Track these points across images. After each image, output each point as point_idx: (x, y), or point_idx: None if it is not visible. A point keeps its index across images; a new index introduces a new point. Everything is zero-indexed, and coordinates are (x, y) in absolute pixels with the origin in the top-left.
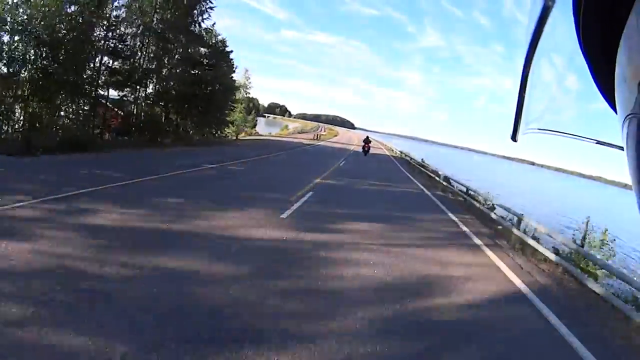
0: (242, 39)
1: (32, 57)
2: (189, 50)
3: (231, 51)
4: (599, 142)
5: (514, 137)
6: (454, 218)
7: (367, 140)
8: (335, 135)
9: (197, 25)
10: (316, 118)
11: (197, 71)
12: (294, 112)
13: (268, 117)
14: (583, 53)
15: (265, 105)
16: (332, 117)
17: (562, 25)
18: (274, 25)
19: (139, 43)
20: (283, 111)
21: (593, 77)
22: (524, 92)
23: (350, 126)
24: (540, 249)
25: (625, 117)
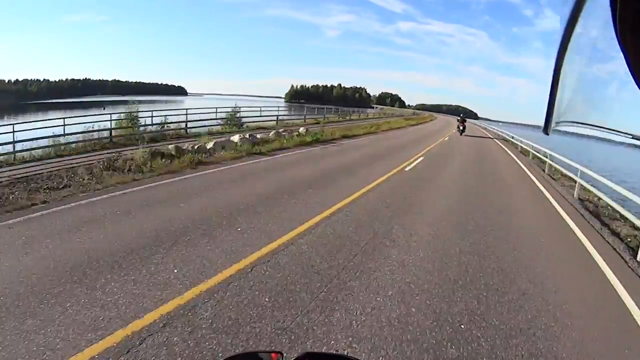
0: (358, 33)
1: None
2: None
3: None
4: (634, 137)
5: (545, 130)
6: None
7: (463, 120)
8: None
9: None
10: (436, 108)
11: None
12: (412, 103)
13: (376, 107)
14: (620, 45)
15: (376, 95)
16: (454, 106)
17: (598, 15)
18: (389, 17)
19: None
20: (395, 100)
21: (630, 71)
22: (557, 85)
23: (473, 116)
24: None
25: None
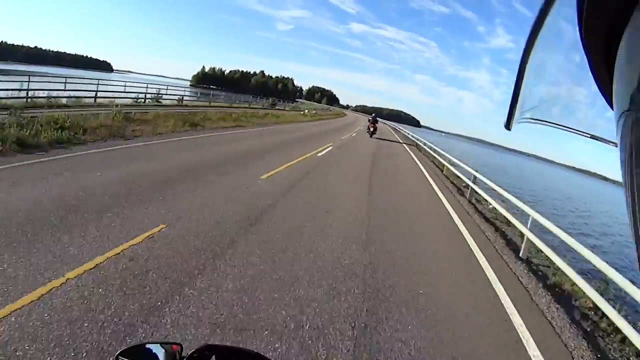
0: (311, 30)
1: None
2: None
3: None
4: (593, 137)
5: (507, 126)
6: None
7: (374, 120)
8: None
9: None
10: (377, 111)
11: None
12: (353, 103)
13: (297, 101)
14: (583, 47)
15: (305, 88)
16: (395, 111)
17: (564, 17)
18: (343, 17)
19: None
20: (330, 97)
21: (591, 71)
22: (521, 81)
23: (415, 124)
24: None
25: (621, 114)
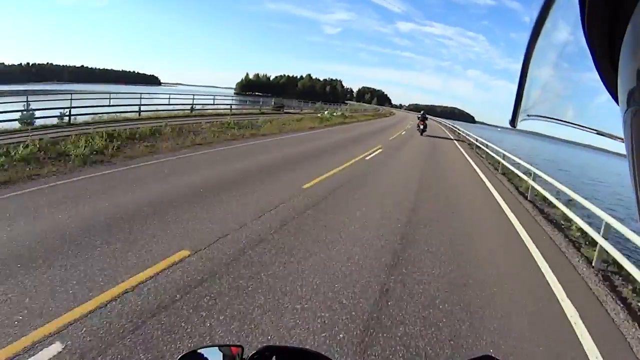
0: (358, 31)
1: None
2: None
3: None
4: (599, 133)
5: (512, 123)
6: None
7: (423, 117)
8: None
9: None
10: (430, 109)
11: None
12: (406, 102)
13: (347, 103)
14: (587, 41)
15: (354, 90)
16: (449, 108)
17: (566, 12)
18: (390, 17)
19: None
20: (380, 97)
21: (596, 67)
22: (526, 77)
23: (470, 120)
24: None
25: (627, 110)
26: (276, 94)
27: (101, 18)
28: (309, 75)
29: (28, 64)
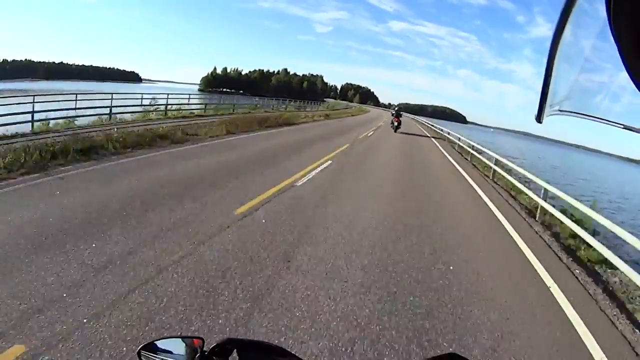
0: (350, 30)
1: None
2: None
3: None
4: (626, 127)
5: (538, 119)
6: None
7: (398, 114)
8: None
9: None
10: (421, 108)
11: None
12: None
13: (325, 101)
14: (612, 34)
15: (338, 86)
16: (440, 108)
17: (591, 6)
18: (382, 16)
19: None
20: (364, 95)
21: (623, 62)
22: (551, 73)
23: (462, 120)
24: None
25: None
26: (248, 91)
27: (89, 14)
28: (285, 69)
29: (5, 60)
